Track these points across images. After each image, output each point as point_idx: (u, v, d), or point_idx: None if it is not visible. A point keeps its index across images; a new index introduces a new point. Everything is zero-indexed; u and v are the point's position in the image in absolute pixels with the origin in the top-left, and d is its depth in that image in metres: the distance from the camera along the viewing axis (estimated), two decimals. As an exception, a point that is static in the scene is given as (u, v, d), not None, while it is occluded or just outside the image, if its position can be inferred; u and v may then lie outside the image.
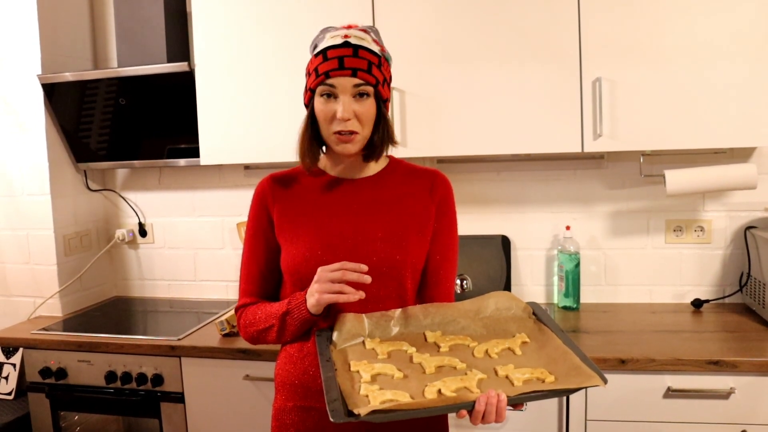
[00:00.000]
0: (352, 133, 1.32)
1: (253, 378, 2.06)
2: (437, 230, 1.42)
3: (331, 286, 1.23)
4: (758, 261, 2.13)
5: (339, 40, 1.31)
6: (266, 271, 1.45)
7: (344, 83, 1.29)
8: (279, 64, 2.19)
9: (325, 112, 1.32)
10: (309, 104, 1.37)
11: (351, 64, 1.29)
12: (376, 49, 1.34)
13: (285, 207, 1.43)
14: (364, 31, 1.37)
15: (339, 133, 1.32)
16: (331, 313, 1.34)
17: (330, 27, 1.38)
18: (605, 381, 1.10)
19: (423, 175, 1.46)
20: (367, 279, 1.24)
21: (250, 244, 1.46)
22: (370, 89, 1.32)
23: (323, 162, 1.46)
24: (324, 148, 1.43)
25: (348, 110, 1.30)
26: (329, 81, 1.30)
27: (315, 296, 1.25)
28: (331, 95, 1.31)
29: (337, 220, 1.39)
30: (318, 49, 1.33)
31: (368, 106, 1.32)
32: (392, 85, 2.07)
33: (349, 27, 1.37)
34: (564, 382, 1.12)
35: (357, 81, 1.30)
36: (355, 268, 1.24)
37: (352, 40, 1.31)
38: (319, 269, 1.26)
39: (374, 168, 1.45)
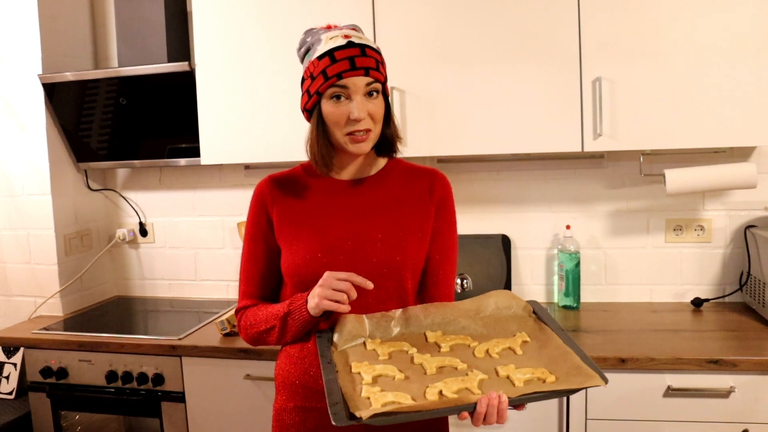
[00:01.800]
0: (367, 131, 1.32)
1: (253, 377, 2.06)
2: (437, 230, 1.42)
3: (333, 293, 1.23)
4: (758, 260, 2.14)
5: (342, 41, 1.30)
6: (266, 272, 1.45)
7: (358, 83, 1.29)
8: (279, 63, 2.19)
9: (337, 114, 1.31)
10: (312, 109, 1.35)
11: (363, 64, 1.29)
12: (376, 47, 1.35)
13: (284, 209, 1.42)
14: (354, 29, 1.37)
15: (352, 133, 1.31)
16: (332, 315, 1.34)
17: (312, 29, 1.38)
18: (606, 381, 1.10)
19: (422, 175, 1.46)
20: (370, 285, 1.25)
21: (250, 246, 1.46)
22: (380, 86, 1.33)
23: None
24: None
25: (363, 110, 1.30)
26: (342, 82, 1.29)
27: (316, 299, 1.25)
28: (341, 96, 1.30)
29: (337, 221, 1.39)
30: (320, 52, 1.31)
31: (379, 104, 1.33)
32: (393, 84, 2.09)
33: (329, 27, 1.36)
34: (565, 382, 1.12)
35: (369, 80, 1.30)
36: (361, 284, 1.24)
37: (355, 40, 1.31)
38: (327, 273, 1.26)
39: (374, 168, 1.45)
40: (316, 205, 1.41)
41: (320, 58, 1.31)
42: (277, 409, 1.44)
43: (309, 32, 1.38)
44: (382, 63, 1.35)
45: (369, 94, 1.31)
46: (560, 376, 1.14)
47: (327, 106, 1.32)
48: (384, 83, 1.35)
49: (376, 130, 1.35)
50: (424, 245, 1.40)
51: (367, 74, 1.30)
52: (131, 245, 2.83)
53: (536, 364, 1.19)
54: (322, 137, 1.36)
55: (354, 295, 1.24)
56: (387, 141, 1.40)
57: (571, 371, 1.14)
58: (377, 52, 1.34)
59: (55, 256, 2.52)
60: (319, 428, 1.37)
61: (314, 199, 1.42)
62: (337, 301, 1.23)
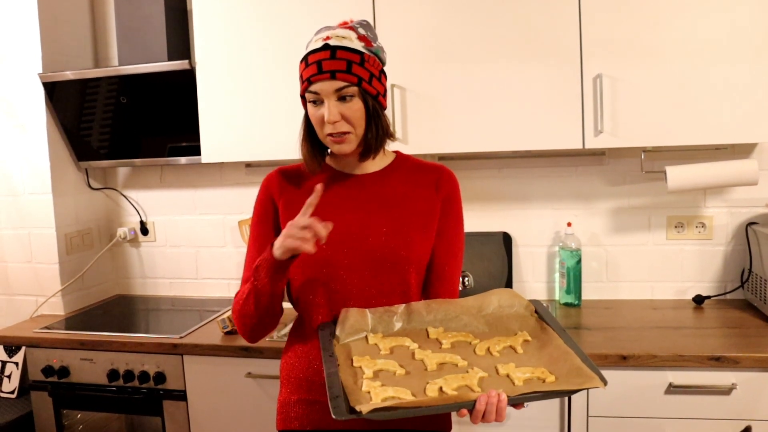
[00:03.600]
0: (343, 134, 1.32)
1: (254, 375, 2.06)
2: (443, 226, 1.42)
3: (298, 231, 1.20)
4: (759, 257, 2.13)
5: (320, 44, 1.32)
6: None
7: (326, 87, 1.29)
8: (279, 61, 2.19)
9: (315, 117, 1.33)
10: (305, 110, 1.38)
11: (329, 67, 1.29)
12: (358, 46, 1.32)
13: (291, 201, 1.43)
14: (351, 28, 1.35)
15: (331, 135, 1.32)
16: (335, 308, 1.35)
17: (325, 27, 1.38)
18: (605, 382, 1.10)
19: (429, 171, 1.46)
20: (326, 230, 1.20)
21: (255, 235, 1.47)
22: (353, 89, 1.30)
23: (329, 158, 1.47)
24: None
25: (333, 113, 1.30)
26: (312, 87, 1.31)
27: (280, 240, 1.23)
28: (316, 101, 1.32)
29: (343, 215, 1.39)
30: (303, 54, 1.34)
31: (354, 107, 1.31)
32: (394, 82, 2.08)
33: (344, 24, 1.36)
34: (564, 382, 1.12)
35: (338, 84, 1.29)
36: (319, 231, 1.20)
37: (332, 42, 1.31)
38: (289, 223, 1.23)
39: (380, 163, 1.46)
40: (323, 198, 1.42)
41: (302, 61, 1.34)
42: (282, 403, 1.45)
43: (317, 31, 1.38)
44: (361, 63, 1.31)
45: (344, 97, 1.30)
46: (560, 376, 1.14)
47: (309, 108, 1.35)
48: (361, 83, 1.30)
49: (357, 132, 1.34)
50: (430, 241, 1.40)
51: (333, 77, 1.28)
52: (132, 244, 2.83)
53: (536, 364, 1.19)
54: (308, 138, 1.39)
55: (321, 232, 1.20)
56: (367, 145, 1.36)
57: (571, 372, 1.14)
58: (356, 52, 1.31)
59: (56, 255, 2.52)
60: (323, 421, 1.38)
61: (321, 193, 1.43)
62: (301, 240, 1.20)
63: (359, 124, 1.33)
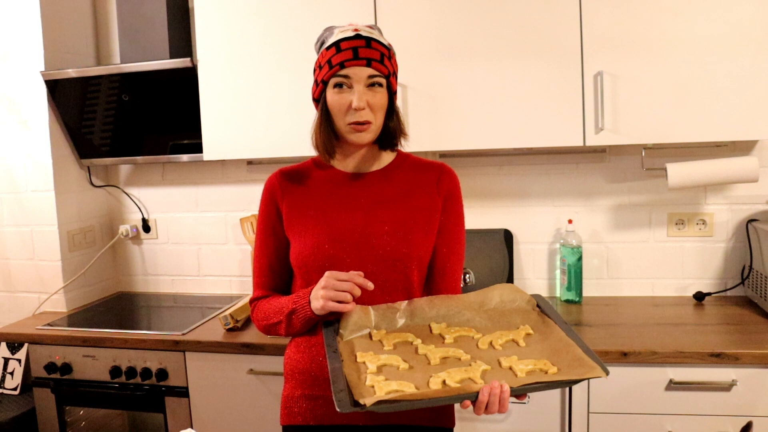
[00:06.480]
0: (366, 122, 1.34)
1: (257, 372, 2.07)
2: (444, 223, 1.43)
3: (336, 294, 1.26)
4: (760, 254, 2.14)
5: (350, 33, 1.34)
6: (276, 264, 1.47)
7: (359, 73, 1.32)
8: (281, 59, 2.20)
9: (339, 103, 1.34)
10: (320, 98, 1.39)
11: (365, 54, 1.32)
12: (385, 42, 1.37)
13: (294, 201, 1.44)
14: (370, 27, 1.39)
15: (353, 123, 1.34)
16: (335, 311, 1.36)
17: (333, 26, 1.41)
18: (607, 372, 1.11)
19: (430, 169, 1.47)
20: (370, 286, 1.27)
21: (261, 239, 1.48)
22: (383, 80, 1.34)
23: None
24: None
25: (362, 100, 1.32)
26: (343, 72, 1.32)
27: (320, 301, 1.27)
28: (343, 86, 1.33)
29: (345, 214, 1.40)
30: (329, 43, 1.36)
31: (381, 96, 1.35)
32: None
33: (351, 25, 1.38)
34: (566, 373, 1.13)
35: (371, 71, 1.32)
36: (362, 284, 1.26)
37: (363, 33, 1.34)
38: (327, 274, 1.28)
39: (382, 162, 1.47)
40: (325, 197, 1.43)
41: (328, 48, 1.35)
42: (285, 397, 1.46)
43: (329, 28, 1.40)
44: (390, 57, 1.37)
45: (373, 85, 1.33)
46: (562, 367, 1.15)
47: (330, 95, 1.35)
48: (389, 77, 1.36)
49: (378, 122, 1.36)
50: (431, 238, 1.41)
51: (368, 65, 1.32)
52: (134, 241, 2.83)
53: (539, 356, 1.20)
54: (325, 125, 1.39)
55: (358, 293, 1.26)
56: (389, 134, 1.41)
57: (573, 363, 1.15)
58: (385, 46, 1.36)
59: (58, 253, 2.53)
60: (326, 416, 1.39)
61: (323, 192, 1.44)
62: (341, 302, 1.26)
63: (381, 115, 1.37)
